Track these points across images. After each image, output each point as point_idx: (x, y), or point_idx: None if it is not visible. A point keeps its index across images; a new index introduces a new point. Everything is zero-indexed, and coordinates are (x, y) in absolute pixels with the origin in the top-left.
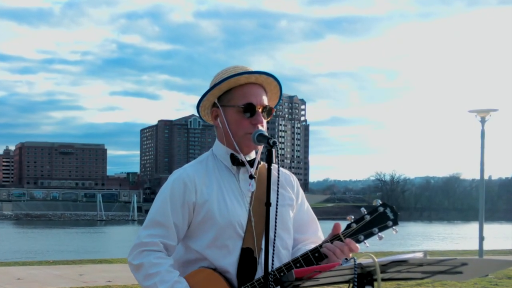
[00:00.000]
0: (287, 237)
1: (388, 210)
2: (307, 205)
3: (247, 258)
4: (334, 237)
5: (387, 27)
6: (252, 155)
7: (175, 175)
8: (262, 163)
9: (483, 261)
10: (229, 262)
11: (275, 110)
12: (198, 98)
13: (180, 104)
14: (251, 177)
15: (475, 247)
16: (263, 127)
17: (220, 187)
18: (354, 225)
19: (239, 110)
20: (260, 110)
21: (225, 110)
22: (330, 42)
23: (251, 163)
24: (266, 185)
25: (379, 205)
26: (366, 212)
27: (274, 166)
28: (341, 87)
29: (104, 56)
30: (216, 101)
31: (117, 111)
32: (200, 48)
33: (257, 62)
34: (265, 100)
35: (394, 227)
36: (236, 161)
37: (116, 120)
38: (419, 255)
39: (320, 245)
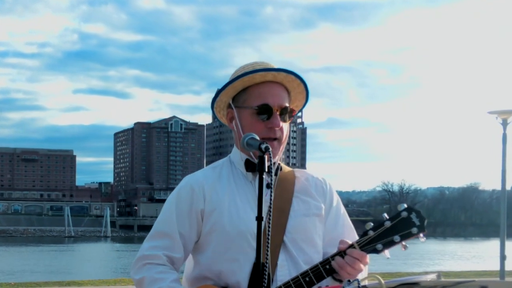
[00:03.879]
0: (312, 251)
1: (413, 215)
2: (343, 213)
3: (259, 274)
4: (349, 247)
5: (388, 14)
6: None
7: (183, 182)
8: (289, 169)
9: (505, 284)
10: (239, 278)
11: (296, 112)
12: (175, 96)
13: (154, 104)
14: (268, 186)
15: (496, 267)
16: (282, 132)
17: (233, 195)
18: (371, 233)
19: (253, 111)
20: (278, 112)
21: (240, 111)
22: (323, 31)
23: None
24: (288, 193)
25: (402, 209)
26: (387, 218)
27: (301, 171)
28: (338, 84)
29: (64, 48)
30: (230, 102)
31: (82, 112)
32: (174, 39)
33: (240, 55)
34: (285, 101)
35: (421, 235)
36: (251, 167)
37: (82, 122)
38: (432, 276)
39: (332, 256)
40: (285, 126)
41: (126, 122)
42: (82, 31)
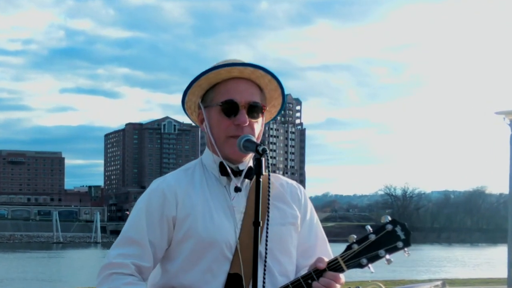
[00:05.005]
0: (287, 262)
1: (398, 228)
2: (316, 223)
3: (234, 286)
4: (333, 261)
5: (389, 9)
6: (249, 162)
7: (154, 185)
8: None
9: None
10: None
11: (266, 108)
12: (166, 96)
13: (145, 104)
14: (236, 189)
15: (504, 275)
16: (252, 130)
17: (206, 200)
18: (355, 246)
19: (219, 109)
20: (245, 109)
21: (208, 111)
22: (321, 28)
23: (241, 172)
24: (263, 200)
25: (387, 222)
26: (371, 231)
27: (276, 176)
28: (336, 82)
29: (50, 45)
30: (199, 102)
31: (70, 112)
32: (165, 35)
33: (234, 52)
34: (254, 97)
35: (405, 249)
36: (225, 171)
37: (70, 122)
38: (437, 284)
39: (314, 270)
40: (256, 124)
41: (116, 123)
42: (69, 27)
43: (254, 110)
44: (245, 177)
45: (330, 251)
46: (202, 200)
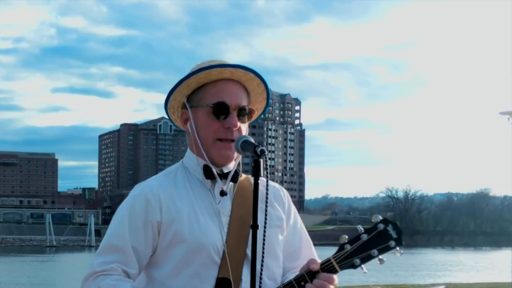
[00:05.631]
0: (274, 265)
1: (390, 228)
2: (300, 226)
3: None
4: (325, 262)
5: (390, 6)
6: (232, 166)
7: (136, 190)
8: (244, 176)
9: None
10: None
11: (255, 112)
12: (161, 95)
13: (139, 104)
14: (222, 193)
15: (508, 279)
16: (240, 133)
17: (191, 204)
18: (348, 247)
19: (209, 110)
20: (235, 112)
21: (195, 111)
22: (319, 26)
23: (227, 175)
24: (249, 203)
25: (378, 222)
26: (362, 231)
27: (262, 180)
28: (336, 82)
29: (41, 43)
30: (185, 101)
31: (62, 112)
32: (159, 33)
33: (230, 51)
34: (243, 101)
35: (397, 248)
36: (210, 174)
37: (62, 123)
38: None
39: (307, 272)
40: (244, 127)
41: (110, 123)
42: (60, 25)
43: (244, 113)
44: (231, 180)
45: (315, 253)
46: (187, 204)
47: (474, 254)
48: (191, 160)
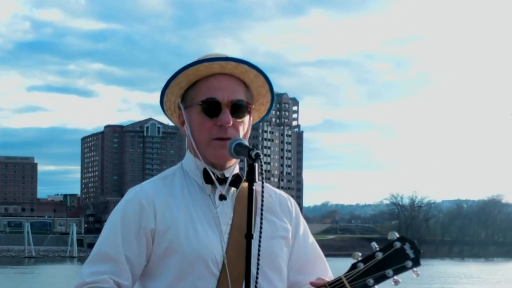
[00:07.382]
0: (277, 279)
1: (407, 246)
2: (311, 238)
3: None
4: (336, 281)
5: None
6: (235, 169)
7: (129, 195)
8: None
9: None
10: None
11: (252, 106)
12: (146, 94)
13: (122, 103)
14: (221, 197)
15: None
16: (236, 131)
17: (189, 211)
18: (361, 265)
19: (199, 109)
20: (228, 108)
21: (189, 112)
22: (316, 19)
23: (227, 180)
24: (252, 210)
25: (395, 239)
26: (377, 249)
27: (267, 187)
28: (334, 80)
29: (15, 38)
30: (179, 102)
31: (39, 113)
32: (142, 27)
33: (220, 46)
34: (239, 95)
35: (414, 269)
36: (210, 179)
37: (39, 124)
38: None
39: None
40: (242, 124)
41: (92, 124)
42: (35, 18)
43: (239, 109)
44: (231, 185)
45: (329, 269)
46: (184, 211)
47: (485, 265)
48: (190, 163)
